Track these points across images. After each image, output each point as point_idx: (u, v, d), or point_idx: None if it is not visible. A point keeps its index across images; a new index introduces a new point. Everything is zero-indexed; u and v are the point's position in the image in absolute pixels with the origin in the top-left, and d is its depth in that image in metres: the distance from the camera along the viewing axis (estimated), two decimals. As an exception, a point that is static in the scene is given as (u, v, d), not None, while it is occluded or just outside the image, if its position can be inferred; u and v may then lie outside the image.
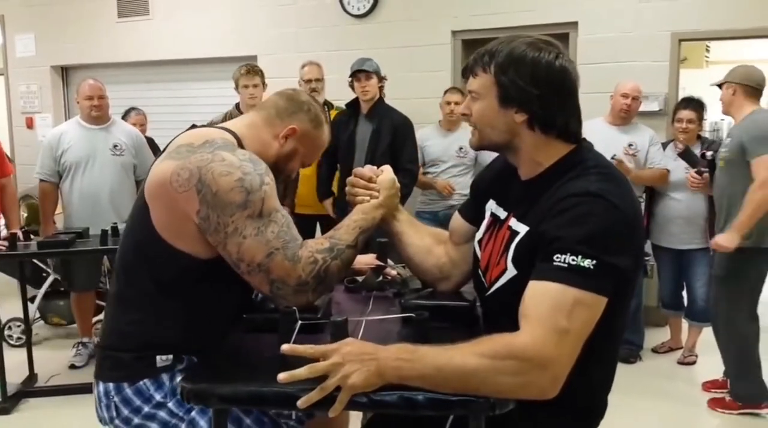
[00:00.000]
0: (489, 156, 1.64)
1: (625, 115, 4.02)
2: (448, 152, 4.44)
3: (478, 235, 1.54)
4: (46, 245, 3.44)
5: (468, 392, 1.22)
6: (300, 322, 1.46)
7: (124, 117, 4.91)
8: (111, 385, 1.54)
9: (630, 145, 3.99)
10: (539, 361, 1.19)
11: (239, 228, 1.41)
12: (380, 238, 1.96)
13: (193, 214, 1.43)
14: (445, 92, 4.50)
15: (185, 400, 1.31)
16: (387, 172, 1.72)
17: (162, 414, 1.53)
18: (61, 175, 3.94)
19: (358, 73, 3.98)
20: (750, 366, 3.31)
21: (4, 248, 3.36)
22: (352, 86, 4.07)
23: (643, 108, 4.39)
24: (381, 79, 4.06)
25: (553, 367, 1.20)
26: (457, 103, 4.34)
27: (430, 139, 4.36)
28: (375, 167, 1.76)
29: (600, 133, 3.98)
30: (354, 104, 4.14)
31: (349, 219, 1.60)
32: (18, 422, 3.41)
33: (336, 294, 1.90)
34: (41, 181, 3.98)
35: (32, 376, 3.81)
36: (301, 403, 1.21)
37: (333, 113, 4.37)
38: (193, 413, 1.51)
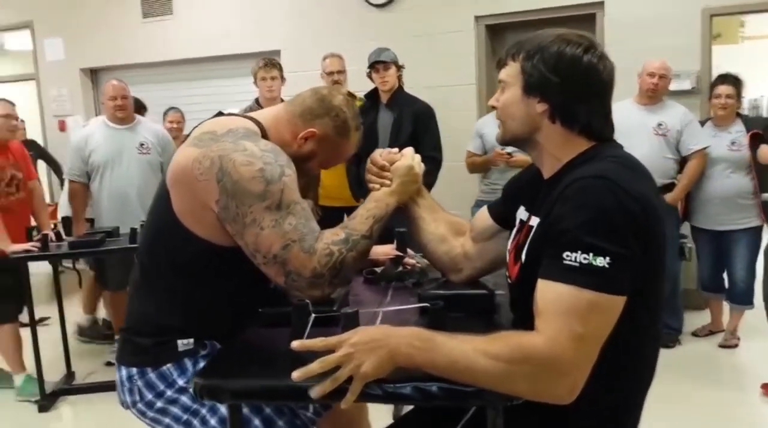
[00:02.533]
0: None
1: (653, 94, 3.91)
2: None
3: (508, 244, 1.48)
4: (78, 245, 3.49)
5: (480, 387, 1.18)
6: (314, 315, 1.44)
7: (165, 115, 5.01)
8: (134, 369, 1.56)
9: (659, 125, 3.87)
10: (556, 369, 1.13)
11: (257, 219, 1.40)
12: (399, 228, 1.93)
13: (213, 202, 1.43)
14: None
15: (198, 396, 1.30)
16: (405, 158, 1.66)
17: (184, 399, 1.54)
18: (90, 176, 3.99)
19: (377, 64, 3.93)
20: None
21: (36, 249, 3.42)
22: (370, 77, 4.02)
23: (675, 87, 4.29)
24: (399, 68, 4.00)
25: (570, 375, 1.14)
26: None
27: (488, 125, 4.22)
28: (396, 149, 1.69)
29: (628, 114, 3.91)
30: (373, 94, 4.10)
31: (362, 209, 1.57)
32: (56, 419, 3.48)
33: (355, 285, 1.87)
34: (71, 181, 4.04)
35: (70, 374, 3.88)
36: (314, 394, 1.19)
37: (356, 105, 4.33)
38: None
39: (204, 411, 1.53)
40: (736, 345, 3.95)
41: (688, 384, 3.44)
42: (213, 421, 1.52)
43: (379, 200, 1.59)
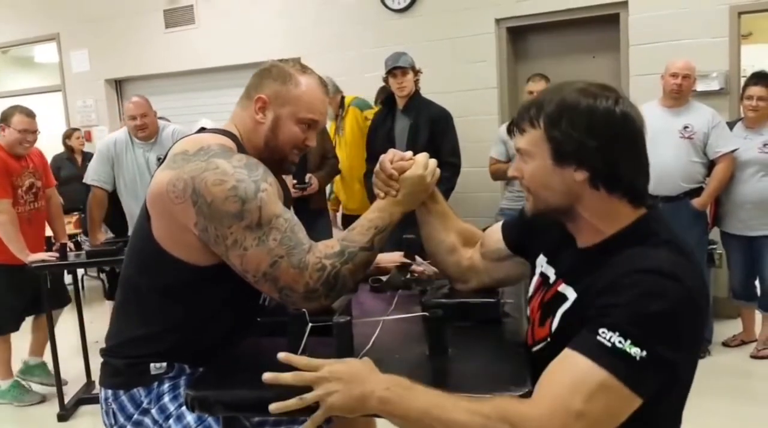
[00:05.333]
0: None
1: (677, 95, 3.78)
2: None
3: (529, 293, 1.41)
4: (95, 254, 3.49)
5: None
6: (311, 324, 1.39)
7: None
8: (110, 392, 1.54)
9: (686, 128, 3.75)
10: None
11: (239, 240, 1.35)
12: (407, 235, 1.87)
13: (191, 225, 1.39)
14: (528, 80, 4.26)
15: (189, 408, 1.26)
16: (416, 166, 1.50)
17: (147, 420, 1.51)
18: (113, 183, 3.96)
19: (394, 70, 3.89)
20: None
21: (54, 258, 3.43)
22: (386, 82, 3.98)
23: (703, 87, 4.18)
24: (417, 72, 3.95)
25: None
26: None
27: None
28: (409, 154, 1.55)
29: (653, 117, 3.79)
30: (390, 100, 4.05)
31: (364, 219, 1.48)
32: (75, 429, 3.48)
33: (360, 294, 1.83)
34: (94, 186, 3.94)
35: (90, 384, 3.87)
36: (273, 408, 1.16)
37: (371, 113, 4.30)
38: (171, 421, 1.48)
39: None
40: (769, 356, 3.81)
41: (717, 396, 3.29)
42: None
43: (382, 210, 1.48)
